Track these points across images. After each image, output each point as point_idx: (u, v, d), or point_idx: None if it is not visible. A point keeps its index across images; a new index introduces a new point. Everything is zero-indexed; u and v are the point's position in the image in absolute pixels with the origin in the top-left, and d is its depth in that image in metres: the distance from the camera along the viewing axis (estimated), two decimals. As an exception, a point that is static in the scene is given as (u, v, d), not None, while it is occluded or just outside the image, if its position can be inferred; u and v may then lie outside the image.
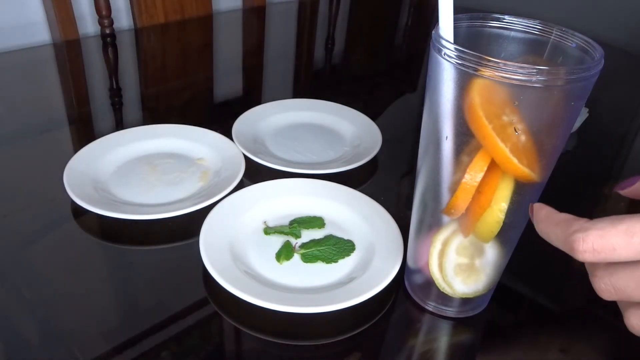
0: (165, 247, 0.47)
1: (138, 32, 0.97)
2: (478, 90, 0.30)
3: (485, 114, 0.30)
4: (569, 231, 0.27)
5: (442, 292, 0.39)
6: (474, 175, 0.33)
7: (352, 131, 0.66)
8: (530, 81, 0.28)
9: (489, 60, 0.29)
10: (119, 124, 0.67)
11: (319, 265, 0.44)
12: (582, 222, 0.27)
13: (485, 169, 0.32)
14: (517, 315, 0.44)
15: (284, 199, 0.51)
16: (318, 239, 0.47)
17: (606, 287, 0.27)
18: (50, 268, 0.44)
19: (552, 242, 0.30)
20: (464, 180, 0.33)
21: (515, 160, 0.31)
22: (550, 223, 0.30)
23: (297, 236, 0.47)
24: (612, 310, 0.44)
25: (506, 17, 0.35)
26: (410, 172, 0.60)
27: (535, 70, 0.28)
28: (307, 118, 0.69)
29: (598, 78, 0.30)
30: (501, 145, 0.31)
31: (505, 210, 0.34)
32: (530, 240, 0.39)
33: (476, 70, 0.29)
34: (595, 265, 0.28)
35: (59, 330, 0.38)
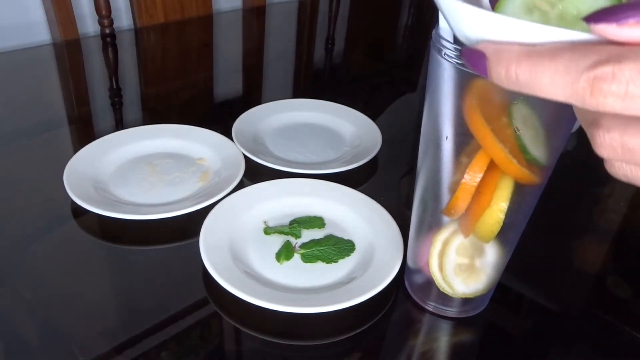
0: (165, 247, 0.47)
1: (138, 32, 0.97)
2: (478, 91, 0.30)
3: (484, 115, 0.30)
4: (585, 62, 0.17)
5: (442, 292, 0.39)
6: (473, 175, 0.33)
7: (352, 131, 0.66)
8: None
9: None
10: (119, 124, 0.67)
11: (319, 265, 0.44)
12: (609, 47, 0.18)
13: (485, 169, 0.32)
14: (517, 315, 0.44)
15: (284, 199, 0.51)
16: (318, 239, 0.47)
17: (611, 142, 0.19)
18: (50, 268, 0.44)
19: (537, 89, 0.19)
20: (463, 180, 0.33)
21: (514, 161, 0.31)
22: (539, 57, 0.19)
23: (297, 236, 0.47)
24: (613, 310, 0.44)
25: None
26: (410, 172, 0.60)
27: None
28: (307, 118, 0.69)
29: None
30: (500, 146, 0.31)
31: (505, 211, 0.34)
32: (530, 240, 0.39)
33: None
34: (602, 112, 0.19)
35: (59, 330, 0.38)
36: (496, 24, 0.21)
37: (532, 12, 0.26)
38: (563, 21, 0.25)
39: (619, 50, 0.17)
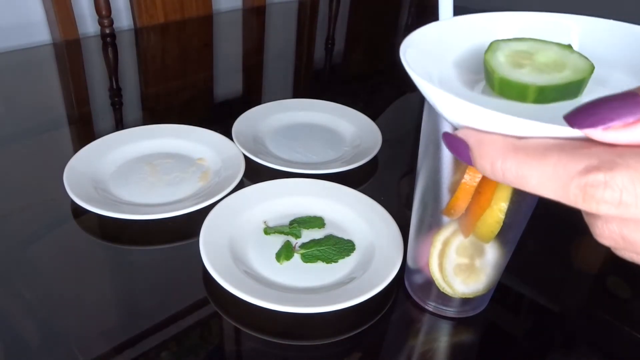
0: (165, 247, 0.47)
1: (138, 32, 0.97)
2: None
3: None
4: (576, 167, 0.17)
5: (442, 292, 0.39)
6: (473, 175, 0.33)
7: (352, 131, 0.66)
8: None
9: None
10: (119, 124, 0.67)
11: (319, 265, 0.44)
12: (598, 150, 0.17)
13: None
14: (517, 315, 0.44)
15: (284, 199, 0.51)
16: (318, 239, 0.47)
17: (611, 234, 0.18)
18: (50, 268, 0.44)
19: (526, 187, 0.19)
20: (463, 180, 0.33)
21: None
22: (525, 156, 0.18)
23: (297, 236, 0.47)
24: (613, 310, 0.44)
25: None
26: (410, 172, 0.60)
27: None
28: (307, 118, 0.69)
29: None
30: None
31: (505, 211, 0.34)
32: (530, 240, 0.39)
33: (476, 70, 0.29)
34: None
35: (59, 330, 0.38)
36: (477, 115, 0.20)
37: (522, 66, 0.26)
38: (548, 67, 0.25)
39: (609, 156, 0.17)
